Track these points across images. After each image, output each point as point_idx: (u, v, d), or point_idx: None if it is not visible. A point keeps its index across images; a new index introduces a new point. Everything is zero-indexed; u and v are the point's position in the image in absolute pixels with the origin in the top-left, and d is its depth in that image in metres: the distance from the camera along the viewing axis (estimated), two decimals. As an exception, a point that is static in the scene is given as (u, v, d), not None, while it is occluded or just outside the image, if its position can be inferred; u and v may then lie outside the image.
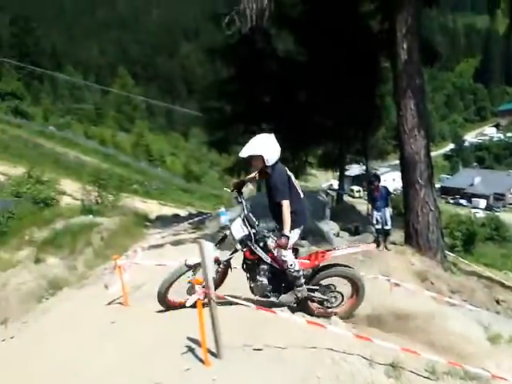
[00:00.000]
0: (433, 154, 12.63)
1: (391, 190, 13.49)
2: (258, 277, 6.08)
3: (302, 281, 6.09)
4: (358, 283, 6.33)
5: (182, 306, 6.04)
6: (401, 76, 11.99)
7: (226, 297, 5.48)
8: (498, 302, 10.48)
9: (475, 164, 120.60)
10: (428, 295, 8.46)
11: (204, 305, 4.99)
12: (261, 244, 6.07)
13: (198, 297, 5.03)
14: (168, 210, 26.80)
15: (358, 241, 12.79)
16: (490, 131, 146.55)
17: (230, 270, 6.34)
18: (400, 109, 12.00)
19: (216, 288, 5.44)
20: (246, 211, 6.28)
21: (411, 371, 4.76)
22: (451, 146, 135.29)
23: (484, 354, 5.38)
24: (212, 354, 5.07)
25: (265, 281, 6.08)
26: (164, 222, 17.99)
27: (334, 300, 6.32)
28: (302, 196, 6.37)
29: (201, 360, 5.03)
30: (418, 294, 8.37)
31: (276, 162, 6.09)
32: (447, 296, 9.28)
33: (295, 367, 4.87)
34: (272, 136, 6.10)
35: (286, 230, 5.77)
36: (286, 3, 17.88)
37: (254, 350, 5.24)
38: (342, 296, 6.40)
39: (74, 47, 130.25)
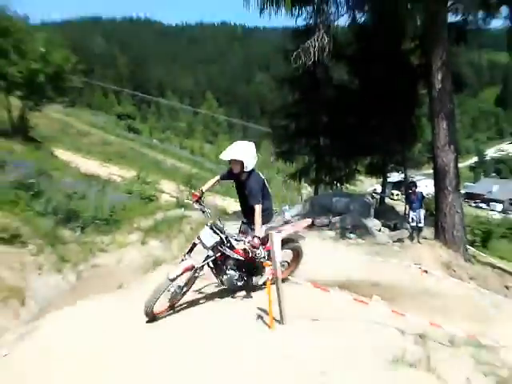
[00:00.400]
0: (460, 165, 12.28)
1: (425, 194, 13.23)
2: (226, 271, 5.74)
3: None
4: (299, 251, 6.53)
5: (169, 309, 5.55)
6: (435, 101, 11.76)
7: (289, 277, 5.59)
8: (507, 287, 10.20)
9: (494, 174, 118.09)
10: (451, 280, 8.26)
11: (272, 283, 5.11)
12: (228, 245, 5.62)
13: (268, 277, 5.14)
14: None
15: (396, 235, 12.56)
16: (507, 148, 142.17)
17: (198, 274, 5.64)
18: (434, 128, 11.78)
19: (184, 288, 5.44)
20: (209, 217, 5.81)
21: (435, 341, 4.71)
22: (475, 159, 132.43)
23: (494, 327, 5.22)
24: (277, 320, 5.15)
25: (232, 272, 5.76)
26: (239, 215, 18.20)
27: (284, 267, 6.29)
28: (271, 196, 6.09)
29: (267, 325, 5.13)
30: (443, 279, 8.18)
31: (253, 169, 5.75)
32: (467, 282, 9.03)
33: (343, 335, 4.88)
34: (252, 144, 5.77)
35: (258, 232, 5.47)
36: (342, 42, 17.79)
37: (311, 319, 5.29)
38: (288, 263, 6.60)
39: (174, 78, 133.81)
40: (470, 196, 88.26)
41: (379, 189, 24.12)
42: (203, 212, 5.91)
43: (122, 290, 7.69)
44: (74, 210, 12.04)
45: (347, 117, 19.02)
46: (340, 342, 4.71)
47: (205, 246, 5.49)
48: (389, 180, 24.58)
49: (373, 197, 17.48)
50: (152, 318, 5.23)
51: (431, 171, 12.85)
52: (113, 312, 5.74)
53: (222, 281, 5.77)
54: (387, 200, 23.66)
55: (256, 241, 5.34)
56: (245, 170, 5.60)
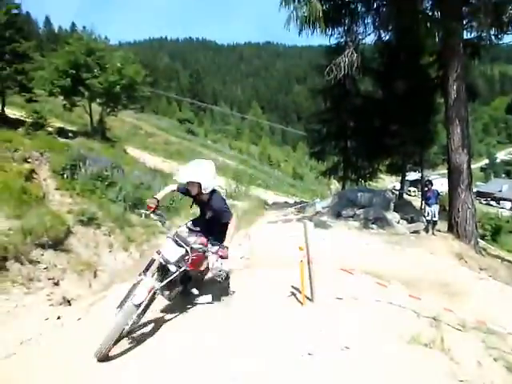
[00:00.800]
0: (472, 166, 11.75)
1: (439, 192, 12.76)
2: (176, 285, 4.45)
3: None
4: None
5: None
6: (451, 109, 11.26)
7: (314, 259, 5.41)
8: (515, 278, 9.62)
9: (504, 175, 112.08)
10: (463, 270, 7.85)
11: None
12: (187, 258, 4.27)
13: (301, 259, 5.01)
14: (280, 199, 26.96)
15: (413, 227, 12.12)
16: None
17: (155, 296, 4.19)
18: (449, 132, 11.31)
19: (143, 313, 4.03)
20: (168, 228, 4.50)
21: (448, 324, 4.45)
22: (486, 161, 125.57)
23: (504, 314, 4.89)
24: (308, 298, 5.04)
25: (179, 286, 4.54)
26: (277, 206, 18.12)
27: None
28: None
29: (300, 301, 5.02)
30: (455, 268, 7.79)
31: (214, 190, 4.58)
32: (477, 272, 8.56)
33: (365, 313, 4.72)
34: (211, 163, 4.61)
35: (228, 243, 4.38)
36: (369, 57, 17.35)
37: (337, 298, 5.14)
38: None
39: (225, 89, 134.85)
40: (481, 194, 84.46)
41: (398, 186, 23.44)
42: (161, 222, 4.52)
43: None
44: (141, 198, 12.26)
45: (371, 123, 18.59)
46: (362, 319, 4.54)
47: (168, 262, 4.18)
48: (407, 178, 23.84)
49: (393, 192, 16.93)
50: (106, 358, 3.71)
51: (446, 171, 12.39)
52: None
53: (169, 297, 4.44)
54: (405, 196, 22.93)
55: (226, 251, 4.27)
56: (203, 192, 4.45)
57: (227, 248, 4.30)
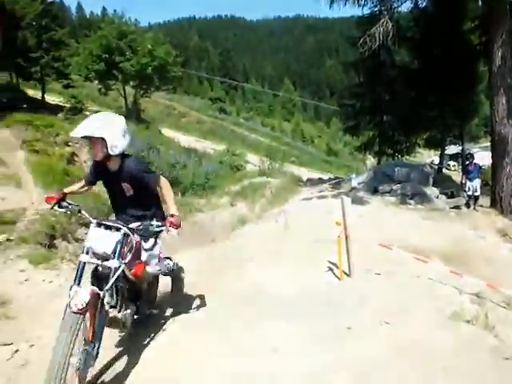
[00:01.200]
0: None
1: (481, 165, 12.25)
2: (124, 300, 3.19)
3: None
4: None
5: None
6: (495, 77, 10.63)
7: (352, 235, 5.34)
8: None
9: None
10: (506, 246, 7.56)
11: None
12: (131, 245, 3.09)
13: (338, 234, 4.98)
14: (314, 175, 26.67)
15: (453, 202, 11.74)
16: None
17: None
18: (493, 102, 10.72)
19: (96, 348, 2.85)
20: (82, 214, 3.26)
21: (492, 301, 4.31)
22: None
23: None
24: (345, 273, 5.02)
25: (131, 305, 3.33)
26: (312, 182, 17.97)
27: None
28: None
29: (337, 276, 5.02)
30: (498, 245, 7.51)
31: (126, 154, 3.35)
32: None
33: (405, 288, 4.67)
34: (121, 119, 3.37)
35: (174, 208, 3.27)
36: (404, 26, 16.59)
37: (376, 273, 5.10)
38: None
39: (257, 66, 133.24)
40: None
41: (437, 160, 22.63)
42: (72, 211, 3.32)
43: (213, 243, 7.95)
44: (177, 177, 12.50)
45: (408, 95, 17.90)
46: (402, 295, 4.49)
47: (103, 256, 2.92)
48: (446, 152, 22.95)
49: (431, 167, 16.37)
50: None
51: (488, 144, 11.83)
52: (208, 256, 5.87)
53: (123, 322, 3.19)
54: (444, 170, 22.17)
55: (176, 219, 3.09)
56: (111, 152, 3.13)
57: (176, 215, 3.16)
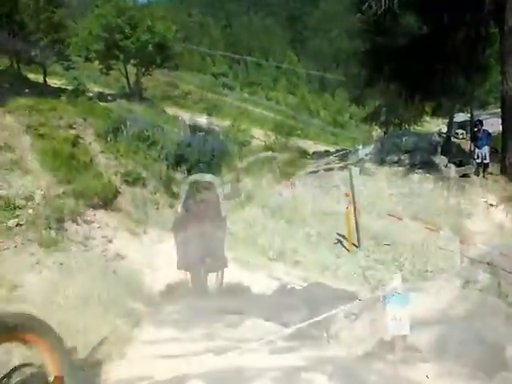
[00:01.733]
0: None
1: (491, 132, 11.97)
2: None
3: None
4: None
5: None
6: (507, 39, 10.32)
7: (360, 206, 5.28)
8: None
9: None
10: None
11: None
12: None
13: (347, 206, 4.93)
14: (321, 148, 26.42)
15: (462, 171, 11.55)
16: None
17: None
18: (504, 65, 10.45)
19: None
20: None
21: (504, 269, 4.24)
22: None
23: None
24: (354, 245, 4.99)
25: None
26: (318, 155, 17.81)
27: None
28: None
29: (346, 248, 4.99)
30: (509, 213, 7.40)
31: None
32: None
33: (414, 256, 4.63)
34: None
35: None
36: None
37: (385, 244, 5.06)
38: None
39: (260, 41, 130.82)
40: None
41: (444, 129, 22.24)
42: None
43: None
44: (182, 155, 12.42)
45: (415, 62, 17.35)
46: (412, 265, 4.46)
47: None
48: (454, 120, 22.55)
49: (439, 135, 16.06)
50: None
51: (497, 110, 11.54)
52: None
53: None
54: (453, 139, 21.87)
55: None
56: None
57: None
